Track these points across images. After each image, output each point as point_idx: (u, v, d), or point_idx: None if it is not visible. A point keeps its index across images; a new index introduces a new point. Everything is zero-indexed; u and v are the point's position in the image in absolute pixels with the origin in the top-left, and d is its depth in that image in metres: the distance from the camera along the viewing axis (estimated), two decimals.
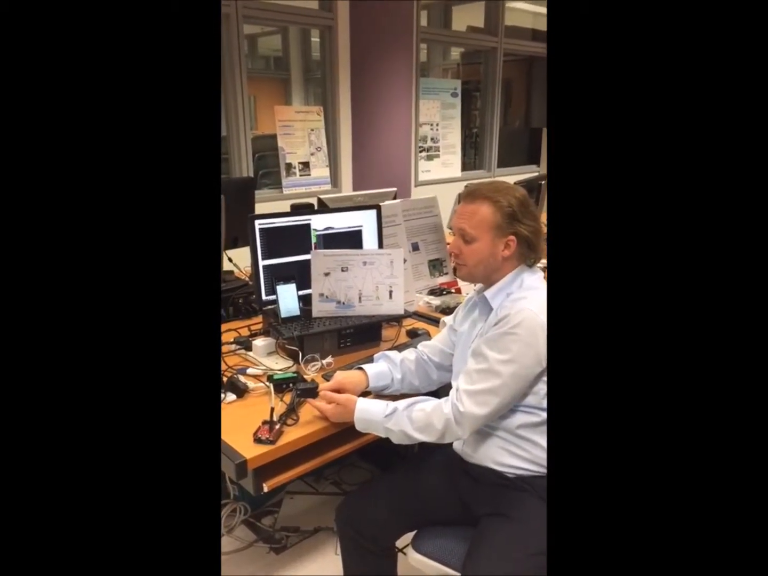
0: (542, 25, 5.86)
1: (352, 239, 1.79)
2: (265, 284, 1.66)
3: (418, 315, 1.94)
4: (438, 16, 5.35)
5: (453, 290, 2.15)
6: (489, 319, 1.25)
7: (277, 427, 1.21)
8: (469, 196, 1.26)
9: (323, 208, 1.99)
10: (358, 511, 1.34)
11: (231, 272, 2.17)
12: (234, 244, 2.13)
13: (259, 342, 1.60)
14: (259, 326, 1.77)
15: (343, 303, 1.64)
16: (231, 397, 1.35)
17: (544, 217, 1.41)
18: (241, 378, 1.42)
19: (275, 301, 1.61)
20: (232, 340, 1.67)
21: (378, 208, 1.83)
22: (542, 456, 1.21)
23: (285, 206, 2.43)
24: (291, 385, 1.36)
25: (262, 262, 1.65)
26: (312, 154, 4.15)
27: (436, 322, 1.83)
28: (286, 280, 1.62)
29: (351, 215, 1.79)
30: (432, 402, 1.23)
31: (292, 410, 1.28)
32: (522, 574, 1.12)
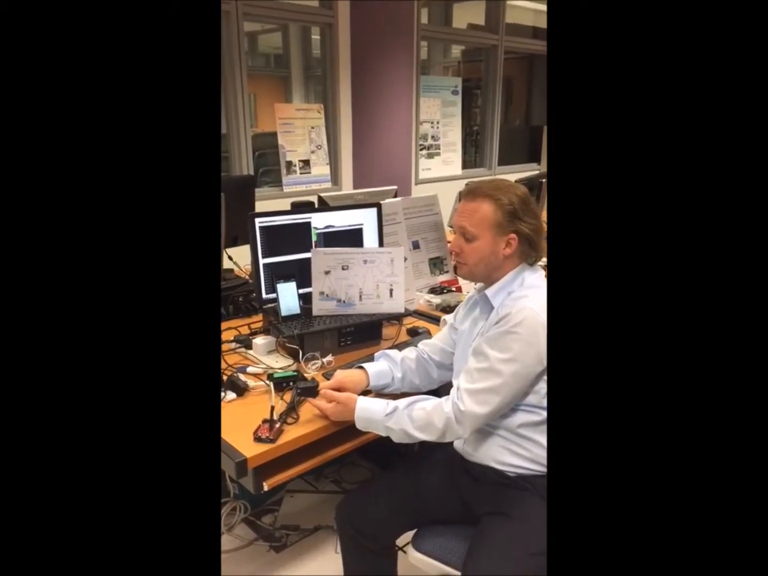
0: (543, 23, 5.85)
1: (352, 237, 1.78)
2: (265, 282, 1.66)
3: (418, 313, 1.94)
4: (439, 13, 5.34)
5: (454, 288, 2.15)
6: (490, 317, 1.25)
7: (278, 425, 1.20)
8: (469, 194, 1.26)
9: (323, 206, 1.98)
10: (359, 509, 1.34)
11: (231, 270, 2.17)
12: (234, 242, 2.13)
13: (259, 340, 1.60)
14: (260, 324, 1.77)
15: (344, 301, 1.64)
16: (231, 395, 1.35)
17: (544, 215, 1.41)
18: (241, 376, 1.42)
19: (275, 300, 1.61)
20: (232, 338, 1.67)
21: (378, 206, 1.83)
22: (543, 455, 1.21)
23: (285, 204, 2.43)
24: (291, 383, 1.36)
25: (262, 261, 1.65)
26: (312, 152, 4.15)
27: (436, 320, 1.82)
28: (287, 279, 1.62)
29: (351, 213, 1.79)
30: (433, 401, 1.23)
31: (292, 409, 1.28)
32: (522, 574, 1.12)
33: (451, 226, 2.51)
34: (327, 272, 1.61)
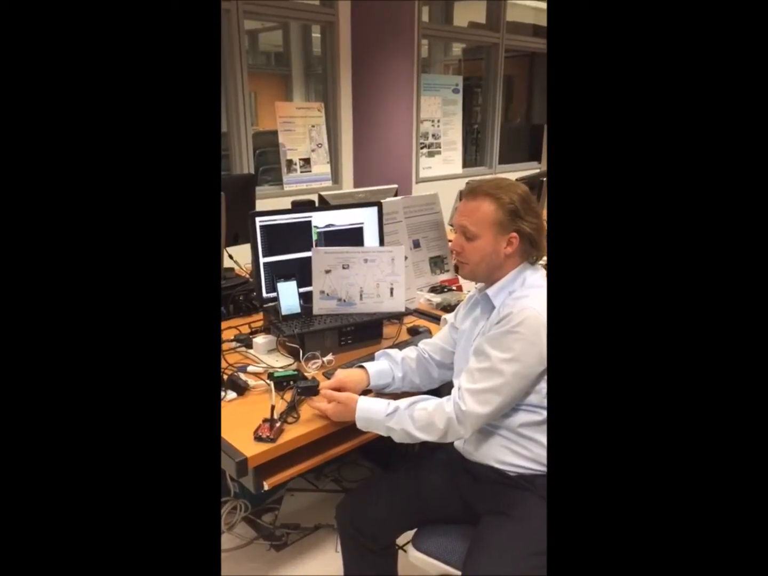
0: (544, 21, 5.83)
1: (353, 236, 1.78)
2: (265, 281, 1.66)
3: (419, 312, 1.94)
4: (439, 11, 5.33)
5: (454, 287, 2.14)
6: (491, 317, 1.24)
7: (278, 425, 1.20)
8: (470, 193, 1.25)
9: (324, 205, 1.98)
10: (359, 508, 1.34)
11: (231, 269, 2.16)
12: (234, 241, 2.12)
13: (259, 339, 1.60)
14: (260, 324, 1.76)
15: (344, 300, 1.64)
16: (231, 395, 1.35)
17: (545, 214, 1.40)
18: (242, 376, 1.41)
19: (276, 299, 1.61)
20: (232, 337, 1.66)
21: (379, 205, 1.83)
22: (544, 455, 1.21)
23: (286, 203, 2.42)
24: (292, 382, 1.36)
25: (262, 260, 1.65)
26: (313, 151, 4.14)
27: (437, 319, 1.82)
28: (287, 278, 1.62)
29: (352, 212, 1.79)
30: (434, 401, 1.22)
31: (292, 408, 1.28)
32: (522, 574, 1.12)
33: (451, 225, 2.51)
34: (327, 271, 1.61)
